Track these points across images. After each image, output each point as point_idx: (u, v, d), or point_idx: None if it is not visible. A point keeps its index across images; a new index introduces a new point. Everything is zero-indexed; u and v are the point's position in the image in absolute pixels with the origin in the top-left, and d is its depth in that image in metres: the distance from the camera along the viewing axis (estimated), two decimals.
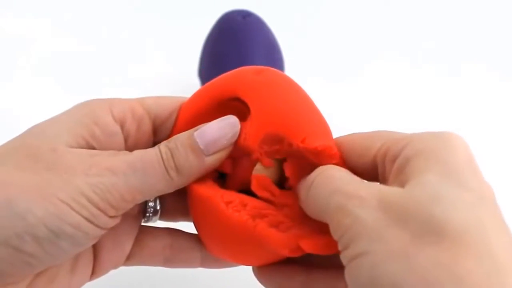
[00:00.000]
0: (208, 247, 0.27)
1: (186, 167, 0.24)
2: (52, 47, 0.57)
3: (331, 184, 0.22)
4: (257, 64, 0.42)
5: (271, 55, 0.47)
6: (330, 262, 0.24)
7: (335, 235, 0.21)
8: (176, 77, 0.52)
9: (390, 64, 0.58)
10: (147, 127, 0.26)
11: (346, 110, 0.50)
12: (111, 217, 0.23)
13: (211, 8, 0.51)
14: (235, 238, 0.24)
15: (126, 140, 0.26)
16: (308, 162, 0.24)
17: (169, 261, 0.28)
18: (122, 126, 0.25)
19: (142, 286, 0.36)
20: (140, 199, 0.24)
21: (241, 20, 0.46)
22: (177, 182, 0.24)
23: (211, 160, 0.25)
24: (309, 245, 0.23)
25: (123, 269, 0.28)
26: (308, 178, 0.23)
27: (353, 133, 0.25)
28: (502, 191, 0.20)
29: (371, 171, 0.23)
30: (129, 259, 0.28)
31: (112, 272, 0.28)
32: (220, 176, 0.27)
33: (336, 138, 0.25)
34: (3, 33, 0.59)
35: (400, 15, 0.65)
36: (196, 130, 0.25)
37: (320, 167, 0.23)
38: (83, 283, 0.27)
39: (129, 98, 0.26)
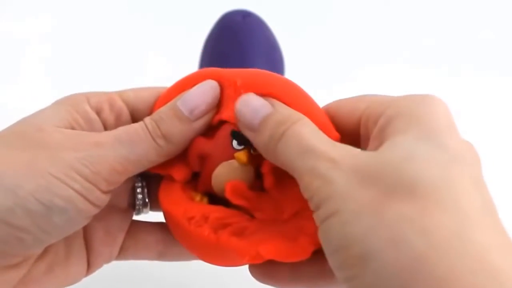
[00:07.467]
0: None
1: (175, 134, 0.24)
2: (52, 48, 0.57)
3: (302, 142, 0.22)
4: (257, 64, 0.42)
5: (271, 55, 0.47)
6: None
7: (305, 194, 0.21)
8: (176, 77, 0.52)
9: (391, 65, 0.58)
10: (126, 118, 0.26)
11: None
12: (103, 192, 0.23)
13: (211, 8, 0.51)
14: (203, 250, 0.25)
15: (105, 128, 0.26)
16: None
17: (163, 255, 0.28)
18: (98, 115, 0.26)
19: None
20: (132, 170, 0.24)
21: (241, 20, 0.46)
22: (167, 150, 0.25)
23: (198, 124, 0.25)
24: (269, 251, 0.23)
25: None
26: (276, 129, 0.23)
27: (341, 99, 0.25)
28: (503, 191, 0.20)
29: (355, 133, 0.24)
30: (124, 253, 0.28)
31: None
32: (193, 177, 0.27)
33: (324, 106, 0.25)
34: (3, 33, 0.59)
35: (399, 17, 0.65)
36: (178, 99, 0.25)
37: (289, 119, 0.23)
38: (80, 276, 0.27)
39: (108, 91, 0.26)
